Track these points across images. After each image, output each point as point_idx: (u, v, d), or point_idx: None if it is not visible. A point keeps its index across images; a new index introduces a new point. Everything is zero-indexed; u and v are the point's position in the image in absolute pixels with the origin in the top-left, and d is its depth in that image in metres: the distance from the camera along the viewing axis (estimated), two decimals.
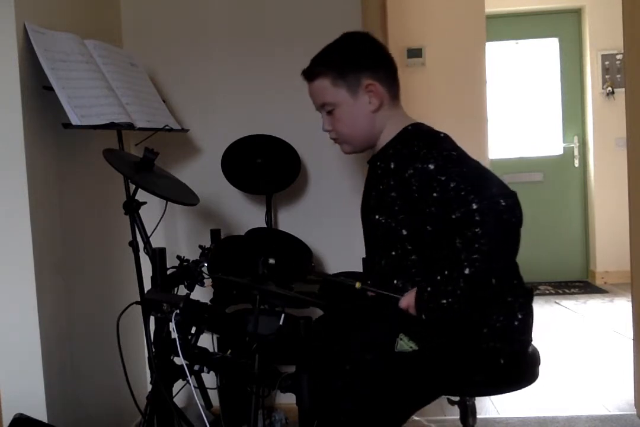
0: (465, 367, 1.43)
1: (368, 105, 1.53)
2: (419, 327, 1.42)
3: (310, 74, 1.56)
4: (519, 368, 1.48)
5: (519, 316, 1.43)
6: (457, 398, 1.62)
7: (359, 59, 1.53)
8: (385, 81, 1.54)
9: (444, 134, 1.47)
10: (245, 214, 2.50)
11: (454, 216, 1.31)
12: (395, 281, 1.48)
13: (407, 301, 1.40)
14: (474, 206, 1.27)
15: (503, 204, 1.27)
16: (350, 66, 1.52)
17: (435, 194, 1.35)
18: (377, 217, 1.51)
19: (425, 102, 4.05)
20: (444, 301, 1.33)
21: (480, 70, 4.29)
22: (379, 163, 1.56)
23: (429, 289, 1.37)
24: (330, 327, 1.69)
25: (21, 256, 1.69)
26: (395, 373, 1.43)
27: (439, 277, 1.35)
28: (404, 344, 1.42)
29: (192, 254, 1.91)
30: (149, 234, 1.82)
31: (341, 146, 1.63)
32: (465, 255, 1.29)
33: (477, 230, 1.27)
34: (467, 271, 1.29)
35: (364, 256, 2.20)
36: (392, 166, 1.45)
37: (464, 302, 1.33)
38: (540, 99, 5.06)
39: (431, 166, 1.35)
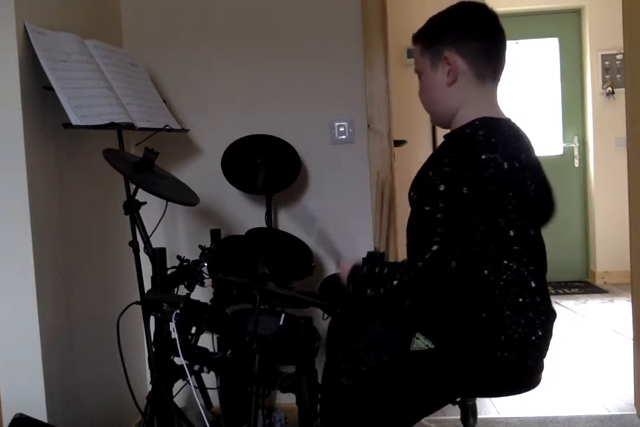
0: (475, 372, 1.43)
1: (445, 78, 1.51)
2: (435, 325, 1.43)
3: (413, 39, 1.59)
4: (525, 377, 1.49)
5: (539, 333, 1.43)
6: (457, 398, 1.62)
7: (447, 30, 1.51)
8: (469, 57, 1.50)
9: (512, 146, 1.44)
10: (245, 214, 2.50)
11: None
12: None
13: (345, 268, 1.50)
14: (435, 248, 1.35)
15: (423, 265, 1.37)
16: (436, 37, 1.52)
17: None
18: (412, 193, 1.47)
19: None
20: (369, 291, 1.42)
21: None
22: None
23: (365, 272, 1.47)
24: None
25: (21, 256, 1.69)
26: (410, 374, 1.44)
27: (383, 270, 1.43)
28: (420, 342, 1.42)
29: (192, 254, 1.91)
30: (149, 234, 1.82)
31: (429, 116, 1.64)
32: (400, 271, 1.39)
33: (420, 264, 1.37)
34: (395, 282, 1.37)
35: (364, 256, 2.20)
36: (451, 154, 1.42)
37: (384, 298, 1.42)
38: (540, 99, 5.07)
39: (441, 187, 1.35)
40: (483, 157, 1.37)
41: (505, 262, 1.41)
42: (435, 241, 1.34)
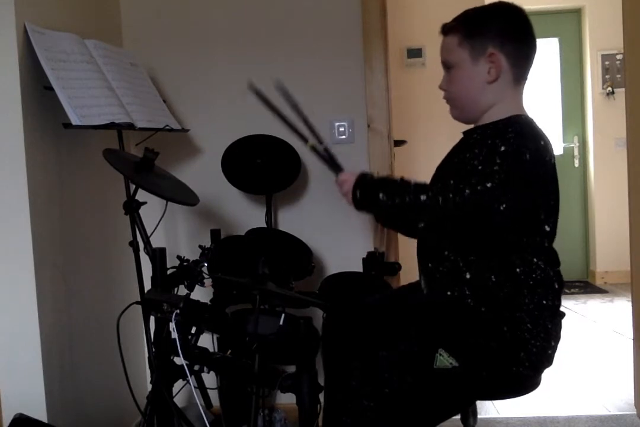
0: (488, 385, 1.44)
1: (485, 74, 1.48)
2: (457, 340, 1.40)
3: (445, 29, 1.55)
4: (529, 384, 1.49)
5: (552, 344, 1.43)
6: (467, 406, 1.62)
7: (492, 26, 1.48)
8: (512, 58, 1.48)
9: (545, 142, 1.42)
10: (245, 214, 2.50)
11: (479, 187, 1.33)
12: (445, 252, 1.45)
13: (350, 175, 1.54)
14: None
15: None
16: (481, 31, 1.48)
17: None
18: (451, 182, 1.44)
19: (425, 102, 4.03)
20: (381, 195, 1.42)
21: None
22: (475, 135, 1.52)
23: (375, 177, 1.50)
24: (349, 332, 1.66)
25: (21, 255, 1.69)
26: (433, 392, 1.43)
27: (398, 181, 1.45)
28: (444, 359, 1.38)
29: (192, 254, 1.91)
30: (149, 234, 1.82)
31: (450, 109, 1.61)
32: (435, 191, 1.37)
33: (467, 192, 1.33)
34: (422, 198, 1.36)
35: (364, 256, 2.20)
36: (489, 141, 1.40)
37: (392, 213, 1.43)
38: (540, 99, 5.06)
39: (502, 148, 1.34)
40: (542, 142, 1.41)
41: (534, 260, 1.39)
42: (485, 186, 1.30)
